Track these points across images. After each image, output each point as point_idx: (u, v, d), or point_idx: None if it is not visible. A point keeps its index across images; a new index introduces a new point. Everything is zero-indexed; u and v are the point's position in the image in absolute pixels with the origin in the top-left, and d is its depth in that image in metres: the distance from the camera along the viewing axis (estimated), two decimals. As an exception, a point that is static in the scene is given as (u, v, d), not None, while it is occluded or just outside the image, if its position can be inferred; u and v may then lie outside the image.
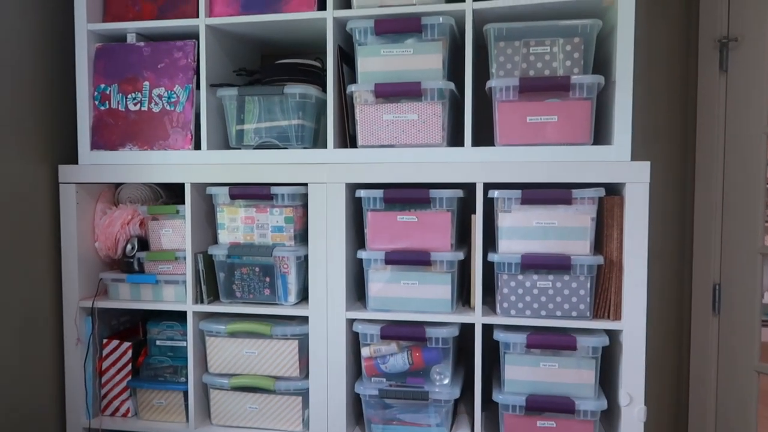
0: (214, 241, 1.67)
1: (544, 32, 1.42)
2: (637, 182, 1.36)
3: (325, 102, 1.55)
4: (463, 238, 1.64)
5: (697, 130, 1.84)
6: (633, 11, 1.38)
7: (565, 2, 1.41)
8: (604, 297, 1.42)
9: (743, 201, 1.75)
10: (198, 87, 1.62)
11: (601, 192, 1.40)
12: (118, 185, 1.75)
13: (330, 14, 1.51)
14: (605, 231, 1.42)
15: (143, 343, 1.72)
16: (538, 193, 1.41)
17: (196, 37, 1.61)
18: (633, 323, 1.39)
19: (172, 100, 1.62)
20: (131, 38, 1.66)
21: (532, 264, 1.41)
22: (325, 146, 1.55)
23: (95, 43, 1.67)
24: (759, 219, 1.76)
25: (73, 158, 1.71)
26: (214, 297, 1.62)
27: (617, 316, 1.41)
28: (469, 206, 1.52)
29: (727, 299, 1.79)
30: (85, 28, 1.64)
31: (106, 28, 1.66)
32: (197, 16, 1.59)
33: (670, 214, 1.91)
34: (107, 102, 1.65)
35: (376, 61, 1.50)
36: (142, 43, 1.65)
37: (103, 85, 1.66)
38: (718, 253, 1.81)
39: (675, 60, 1.87)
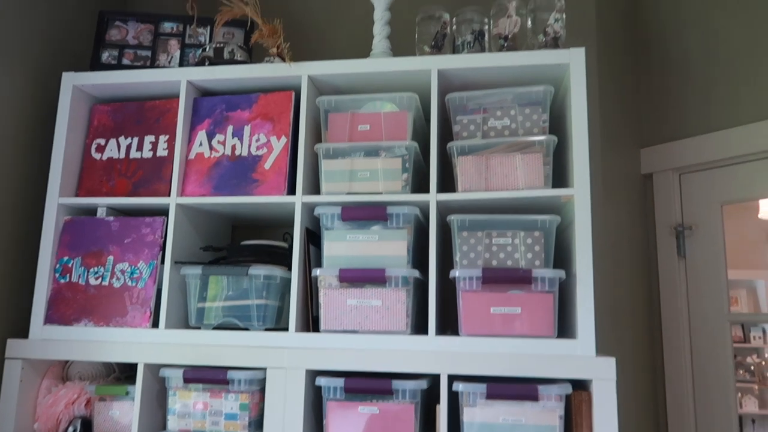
0: (163, 426, 1.56)
1: (506, 225, 1.46)
2: (603, 379, 1.33)
3: (290, 281, 1.54)
4: (427, 429, 1.56)
5: (662, 317, 1.85)
6: (589, 207, 1.44)
7: (525, 198, 1.47)
8: (578, 504, 1.32)
9: (714, 390, 1.72)
10: (163, 262, 1.61)
11: (568, 389, 1.35)
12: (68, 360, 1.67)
13: (299, 199, 1.55)
14: (574, 430, 1.36)
15: None
16: (503, 389, 1.36)
17: (167, 213, 1.63)
18: None
19: (135, 275, 1.59)
20: (102, 212, 1.68)
21: (500, 466, 1.32)
22: (287, 325, 1.51)
23: (65, 216, 1.68)
24: (732, 408, 1.71)
25: (24, 331, 1.64)
26: (157, 491, 1.48)
27: None
28: (433, 395, 1.46)
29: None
30: (56, 201, 1.66)
31: (78, 203, 1.68)
32: (169, 195, 1.62)
33: (641, 405, 1.85)
34: (68, 275, 1.62)
35: (342, 246, 1.52)
36: (111, 218, 1.66)
37: (66, 258, 1.64)
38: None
39: (635, 246, 1.94)
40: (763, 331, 3.55)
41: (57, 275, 1.63)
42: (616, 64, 2.01)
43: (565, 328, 1.50)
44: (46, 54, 1.80)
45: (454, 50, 1.66)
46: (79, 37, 1.94)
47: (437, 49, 1.67)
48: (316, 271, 1.50)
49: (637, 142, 2.03)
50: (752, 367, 3.63)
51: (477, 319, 1.42)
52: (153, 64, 1.80)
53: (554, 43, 1.58)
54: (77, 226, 1.66)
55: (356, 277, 1.47)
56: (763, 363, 3.63)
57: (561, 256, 1.54)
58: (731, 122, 1.81)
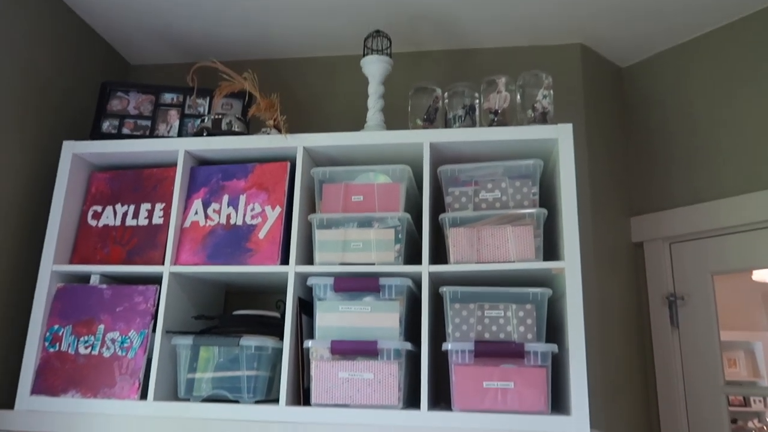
0: (148, 503, 1.52)
1: (498, 297, 1.47)
2: (598, 458, 1.31)
3: (281, 351, 1.53)
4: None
5: (658, 388, 1.83)
6: (580, 280, 1.45)
7: (516, 270, 1.49)
8: None
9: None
10: (154, 331, 1.59)
11: (563, 468, 1.33)
12: (53, 431, 1.63)
13: (292, 269, 1.56)
14: None
15: None
16: (497, 467, 1.33)
17: (160, 280, 1.63)
18: None
19: (125, 345, 1.58)
20: (95, 280, 1.68)
21: None
22: (278, 396, 1.49)
23: (57, 283, 1.68)
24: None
25: (9, 401, 1.61)
26: None
27: None
28: (426, 472, 1.42)
29: None
30: (50, 268, 1.66)
31: (72, 270, 1.68)
32: (163, 263, 1.63)
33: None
34: (58, 344, 1.61)
35: (334, 317, 1.51)
36: (104, 286, 1.66)
37: (56, 326, 1.63)
38: None
39: (628, 316, 1.93)
40: (763, 397, 3.50)
41: (47, 344, 1.61)
42: (604, 134, 2.06)
43: (558, 400, 1.48)
44: (47, 122, 1.84)
45: (446, 124, 1.71)
46: (80, 106, 1.99)
47: (429, 122, 1.71)
48: (308, 343, 1.49)
49: (626, 211, 2.06)
50: (754, 432, 3.55)
51: (470, 394, 1.41)
52: (152, 133, 1.85)
53: (543, 119, 1.63)
54: (69, 294, 1.66)
55: (348, 350, 1.46)
56: (765, 428, 3.56)
57: (554, 326, 1.54)
58: (717, 194, 1.84)
